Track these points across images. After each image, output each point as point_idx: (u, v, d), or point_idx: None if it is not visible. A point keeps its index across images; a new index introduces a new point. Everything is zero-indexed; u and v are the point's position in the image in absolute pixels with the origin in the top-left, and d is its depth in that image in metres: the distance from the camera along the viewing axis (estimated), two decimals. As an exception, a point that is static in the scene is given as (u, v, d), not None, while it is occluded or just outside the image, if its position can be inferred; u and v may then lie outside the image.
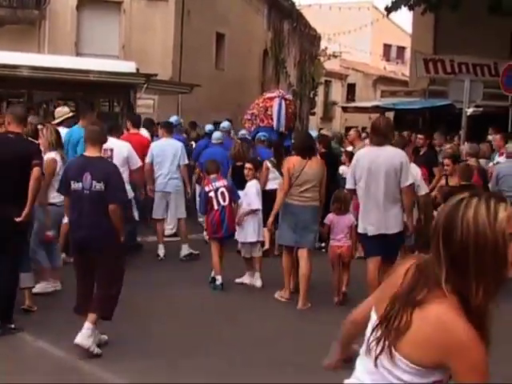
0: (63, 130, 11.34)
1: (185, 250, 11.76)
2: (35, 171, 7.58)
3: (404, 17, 56.98)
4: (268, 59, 34.51)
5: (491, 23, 22.60)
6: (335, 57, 46.95)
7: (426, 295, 2.44)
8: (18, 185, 7.53)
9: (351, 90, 50.77)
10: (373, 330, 2.57)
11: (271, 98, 13.50)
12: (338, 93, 50.20)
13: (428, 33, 27.11)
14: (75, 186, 6.94)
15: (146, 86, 16.63)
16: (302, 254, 9.32)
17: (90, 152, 7.16)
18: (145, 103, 19.02)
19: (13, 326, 7.53)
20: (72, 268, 7.48)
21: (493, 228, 2.38)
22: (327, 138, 14.00)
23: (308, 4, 43.37)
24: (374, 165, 8.20)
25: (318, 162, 9.51)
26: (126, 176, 10.39)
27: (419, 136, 14.67)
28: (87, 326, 6.79)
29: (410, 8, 25.09)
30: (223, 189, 10.02)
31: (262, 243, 10.98)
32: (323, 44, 44.39)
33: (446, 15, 24.35)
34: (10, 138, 7.77)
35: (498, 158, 13.02)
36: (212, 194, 10.00)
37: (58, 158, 9.03)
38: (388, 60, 57.30)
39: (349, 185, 8.52)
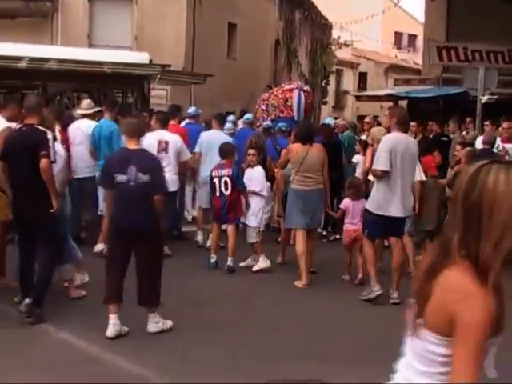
0: (87, 123, 11.42)
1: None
2: (42, 163, 7.57)
3: (415, 4, 56.64)
4: (280, 49, 34.42)
5: (503, 10, 22.52)
6: (347, 45, 46.81)
7: (442, 263, 2.50)
8: (35, 176, 7.57)
9: (363, 78, 50.61)
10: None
11: (290, 90, 13.84)
12: (349, 81, 50.06)
13: (440, 20, 26.98)
14: (120, 178, 7.12)
15: (159, 76, 16.63)
16: (311, 235, 10.08)
17: (130, 145, 7.39)
18: (157, 94, 19.02)
19: (38, 311, 7.61)
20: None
21: (510, 192, 2.45)
22: (329, 128, 14.15)
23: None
24: (407, 151, 8.89)
25: (319, 149, 10.13)
26: (172, 167, 10.72)
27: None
28: (152, 316, 7.30)
29: (423, -5, 25.05)
30: (226, 178, 10.24)
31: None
32: (335, 33, 44.25)
33: (458, 2, 24.31)
34: (22, 130, 7.84)
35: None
36: (216, 180, 10.29)
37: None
38: (399, 48, 57.06)
39: (385, 167, 8.81)
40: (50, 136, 7.80)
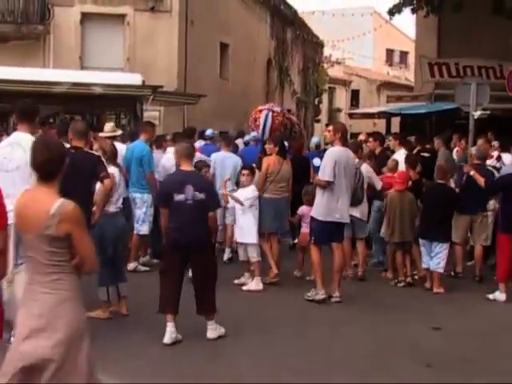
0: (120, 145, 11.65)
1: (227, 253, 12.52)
2: (106, 182, 8.11)
3: (406, 21, 56.95)
4: (272, 68, 34.53)
5: (495, 25, 22.60)
6: (338, 63, 47.00)
7: None
8: (84, 198, 7.56)
9: (355, 96, 50.77)
10: None
11: (260, 110, 14.35)
12: (342, 99, 50.22)
13: (432, 36, 27.07)
14: (178, 197, 7.82)
15: (152, 97, 16.64)
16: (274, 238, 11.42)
17: (185, 166, 8.13)
18: (150, 115, 19.02)
19: None
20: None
21: None
22: (300, 144, 15.37)
23: (311, 11, 43.47)
24: (348, 163, 9.95)
25: (288, 164, 11.58)
26: None
27: (369, 139, 14.91)
28: (211, 323, 8.02)
29: (413, 11, 25.10)
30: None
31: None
32: (326, 51, 44.44)
33: (449, 18, 24.37)
34: (72, 153, 7.86)
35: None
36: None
37: (116, 172, 9.27)
38: (391, 65, 57.30)
39: (329, 177, 9.73)
40: (103, 158, 8.52)
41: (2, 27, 21.80)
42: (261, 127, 14.15)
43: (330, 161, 9.77)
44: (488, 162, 13.01)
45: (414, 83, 30.25)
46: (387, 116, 29.18)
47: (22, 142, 7.19)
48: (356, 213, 11.08)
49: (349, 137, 21.25)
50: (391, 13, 24.76)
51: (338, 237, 10.05)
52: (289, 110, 24.89)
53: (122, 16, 22.88)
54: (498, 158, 13.88)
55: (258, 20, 31.33)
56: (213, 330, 8.04)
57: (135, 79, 16.75)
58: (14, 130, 8.22)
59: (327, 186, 9.76)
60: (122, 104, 16.55)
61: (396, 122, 29.23)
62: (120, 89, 15.92)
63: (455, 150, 16.38)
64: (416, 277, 11.27)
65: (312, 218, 10.05)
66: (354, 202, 10.59)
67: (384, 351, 7.80)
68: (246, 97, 28.82)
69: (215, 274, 8.12)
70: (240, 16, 28.44)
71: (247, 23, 29.44)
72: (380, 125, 34.61)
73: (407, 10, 24.86)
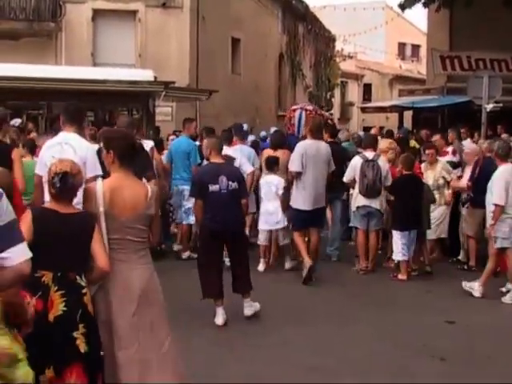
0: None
1: None
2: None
3: (418, 15, 56.78)
4: (284, 62, 34.51)
5: (506, 18, 22.53)
6: (350, 57, 46.89)
7: None
8: None
9: (367, 90, 50.60)
10: None
11: (294, 110, 15.58)
12: (354, 93, 50.08)
13: (443, 30, 27.02)
14: (213, 187, 8.28)
15: (164, 93, 16.68)
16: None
17: (217, 159, 8.60)
18: (163, 111, 19.07)
19: None
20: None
21: None
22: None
23: (322, 5, 43.40)
24: (317, 154, 10.63)
25: (285, 154, 11.67)
26: None
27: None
28: (247, 301, 8.54)
29: (425, 5, 25.05)
30: None
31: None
32: (338, 45, 44.34)
33: (460, 11, 24.32)
34: None
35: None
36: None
37: None
38: (403, 59, 57.08)
39: (298, 168, 10.57)
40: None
41: (14, 24, 21.92)
42: (296, 125, 15.16)
43: (298, 153, 10.66)
44: (446, 158, 13.17)
45: (426, 76, 30.19)
46: (399, 110, 29.11)
47: (71, 141, 7.23)
48: (375, 204, 11.31)
49: (361, 131, 21.40)
50: (402, 7, 24.72)
51: (316, 222, 10.90)
52: (321, 107, 25.80)
53: (134, 12, 22.94)
54: (454, 153, 13.87)
55: (269, 15, 31.29)
56: (249, 307, 8.55)
57: (147, 75, 16.80)
58: (24, 126, 8.29)
59: (297, 176, 10.65)
60: (134, 100, 16.62)
61: (408, 116, 29.17)
62: (132, 85, 15.98)
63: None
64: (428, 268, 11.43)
65: (290, 206, 10.93)
66: (373, 193, 11.16)
67: (397, 346, 7.79)
68: (258, 92, 28.83)
69: (248, 257, 8.76)
70: (251, 11, 28.41)
71: (259, 18, 29.41)
72: (392, 119, 34.55)
73: (418, 4, 24.84)
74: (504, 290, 10.05)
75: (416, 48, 55.71)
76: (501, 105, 17.60)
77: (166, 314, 5.34)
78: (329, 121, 16.08)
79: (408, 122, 28.84)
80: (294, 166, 10.68)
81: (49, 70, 16.57)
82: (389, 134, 16.70)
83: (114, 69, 18.25)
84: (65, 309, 4.68)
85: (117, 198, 5.03)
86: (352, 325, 8.55)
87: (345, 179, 11.51)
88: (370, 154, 11.43)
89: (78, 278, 4.79)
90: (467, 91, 17.53)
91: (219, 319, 8.28)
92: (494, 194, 9.90)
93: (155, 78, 16.86)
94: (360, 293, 10.18)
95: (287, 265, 11.47)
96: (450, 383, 6.71)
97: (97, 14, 22.71)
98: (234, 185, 8.38)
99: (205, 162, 10.13)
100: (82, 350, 4.66)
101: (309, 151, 10.62)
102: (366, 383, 6.62)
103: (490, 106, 16.16)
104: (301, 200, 10.68)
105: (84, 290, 4.81)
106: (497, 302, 9.68)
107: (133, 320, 5.03)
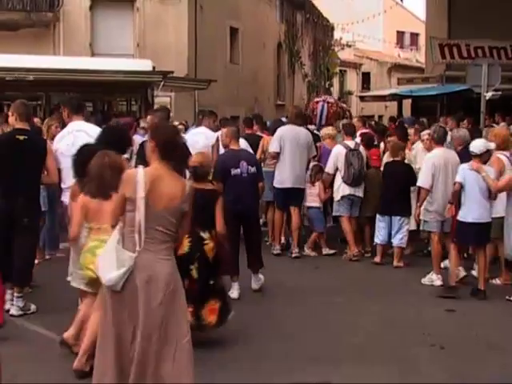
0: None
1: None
2: None
3: (416, 3, 56.61)
4: (282, 51, 34.46)
5: (505, 5, 22.50)
6: (349, 46, 46.81)
7: None
8: None
9: (366, 78, 50.55)
10: None
11: (317, 102, 17.41)
12: (353, 82, 50.02)
13: (442, 18, 26.97)
14: (234, 171, 9.01)
15: (162, 83, 16.65)
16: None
17: (235, 146, 9.39)
18: (161, 100, 19.04)
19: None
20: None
21: None
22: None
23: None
24: (295, 138, 11.46)
25: None
26: None
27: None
28: (255, 275, 9.29)
29: (423, -7, 25.02)
30: None
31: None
32: (336, 34, 44.26)
33: (459, -1, 24.28)
34: None
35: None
36: None
37: None
38: (402, 47, 56.97)
39: (276, 149, 11.45)
40: None
41: (12, 15, 21.87)
42: (318, 116, 16.79)
43: (276, 136, 11.56)
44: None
45: (425, 65, 30.15)
46: (398, 98, 29.08)
47: (83, 127, 8.20)
48: (359, 193, 11.53)
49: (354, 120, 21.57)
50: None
51: (295, 201, 11.61)
52: (339, 99, 26.92)
53: (132, 2, 22.92)
54: None
55: (267, 4, 31.26)
56: (257, 282, 9.28)
57: (145, 65, 16.78)
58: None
59: (276, 157, 11.48)
60: (133, 90, 16.64)
61: (407, 105, 29.15)
62: (130, 75, 15.95)
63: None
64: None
65: (273, 186, 11.61)
66: (359, 182, 11.46)
67: (396, 334, 7.80)
68: (257, 81, 28.81)
69: (261, 236, 9.90)
70: (249, 0, 28.36)
71: (257, 7, 29.37)
72: (391, 107, 34.52)
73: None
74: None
75: (415, 36, 55.61)
76: (500, 93, 17.55)
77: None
78: (347, 112, 17.73)
79: (407, 111, 28.82)
80: (272, 146, 11.61)
81: (47, 60, 16.52)
82: (393, 121, 17.59)
83: (113, 59, 18.23)
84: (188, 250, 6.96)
85: (155, 188, 5.08)
86: (352, 314, 8.55)
87: (329, 170, 11.67)
88: (351, 143, 11.70)
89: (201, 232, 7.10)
90: (466, 79, 17.50)
91: (234, 293, 8.76)
92: (420, 177, 10.13)
93: (154, 67, 16.84)
94: (357, 281, 10.17)
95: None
96: (450, 371, 6.71)
97: (95, 3, 22.66)
98: (253, 169, 9.18)
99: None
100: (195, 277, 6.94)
101: (286, 135, 11.50)
102: (365, 371, 6.62)
103: (489, 94, 16.14)
104: (280, 179, 11.49)
105: (206, 242, 7.13)
106: (495, 290, 9.67)
107: (159, 309, 5.07)
